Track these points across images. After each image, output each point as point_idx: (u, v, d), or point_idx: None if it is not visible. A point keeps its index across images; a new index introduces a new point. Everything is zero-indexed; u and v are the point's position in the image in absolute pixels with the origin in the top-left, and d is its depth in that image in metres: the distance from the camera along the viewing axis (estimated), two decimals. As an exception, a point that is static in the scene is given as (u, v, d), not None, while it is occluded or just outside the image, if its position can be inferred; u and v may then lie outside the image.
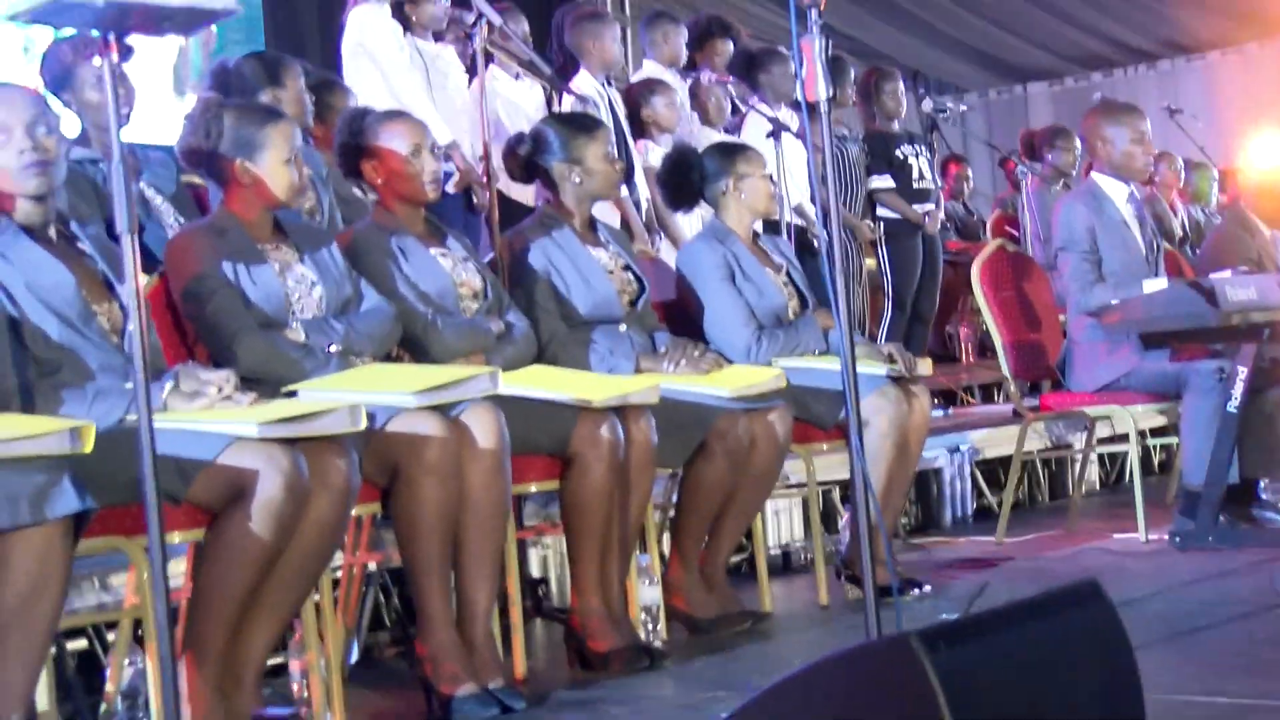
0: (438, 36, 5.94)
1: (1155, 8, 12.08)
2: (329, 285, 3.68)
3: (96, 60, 4.39)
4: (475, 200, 5.91)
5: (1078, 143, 8.04)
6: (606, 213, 6.00)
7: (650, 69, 6.86)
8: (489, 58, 6.18)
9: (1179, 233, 8.84)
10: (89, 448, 2.78)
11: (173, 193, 4.48)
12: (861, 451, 3.04)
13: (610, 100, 6.16)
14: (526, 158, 4.32)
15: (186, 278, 3.53)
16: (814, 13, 3.12)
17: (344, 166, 4.06)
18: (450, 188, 5.70)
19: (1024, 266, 5.80)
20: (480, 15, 4.29)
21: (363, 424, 3.17)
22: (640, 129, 6.34)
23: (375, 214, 4.04)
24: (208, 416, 3.05)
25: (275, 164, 3.58)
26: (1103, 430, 6.10)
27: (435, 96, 5.66)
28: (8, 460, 2.68)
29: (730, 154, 4.76)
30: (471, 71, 5.70)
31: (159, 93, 6.96)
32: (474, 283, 4.04)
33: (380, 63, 5.57)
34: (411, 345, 3.86)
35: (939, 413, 7.18)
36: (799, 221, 6.67)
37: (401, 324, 3.80)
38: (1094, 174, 5.51)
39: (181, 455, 2.97)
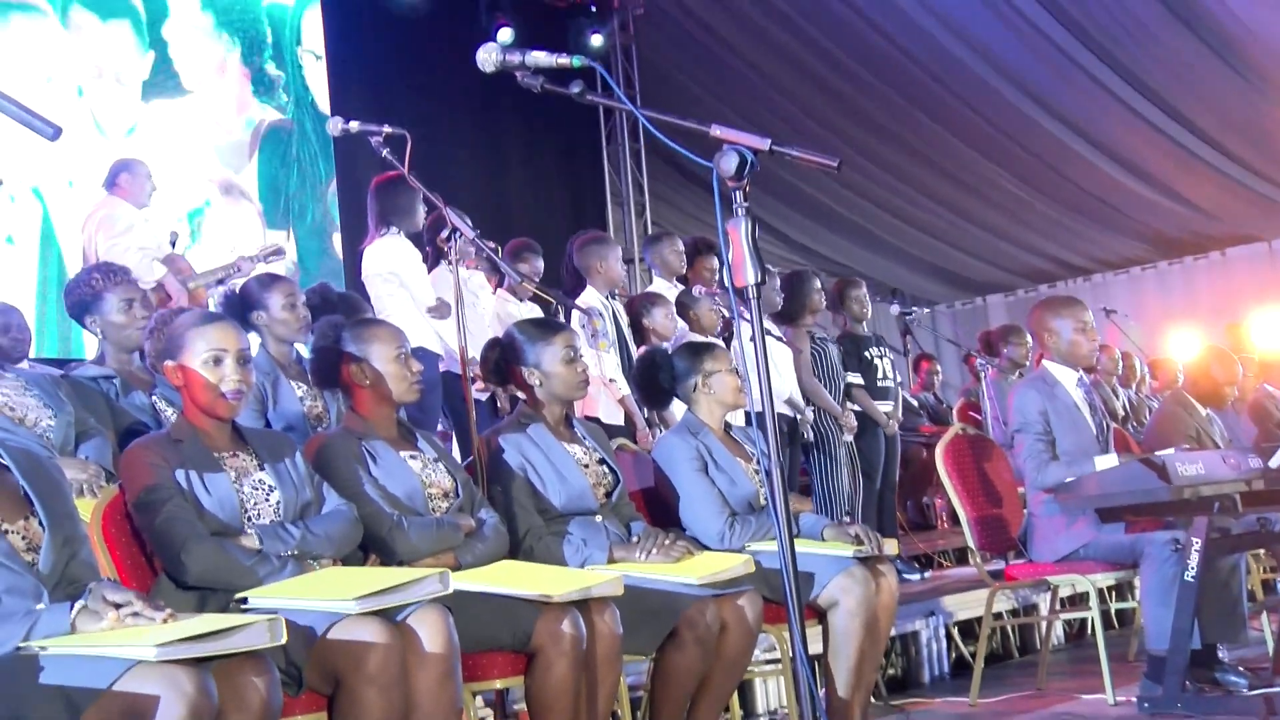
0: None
1: (1087, 233, 12.08)
2: (287, 491, 2.78)
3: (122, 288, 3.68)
4: (499, 405, 5.08)
5: (1029, 338, 7.06)
6: (612, 409, 5.11)
7: (658, 285, 5.98)
8: (499, 276, 5.42)
9: (1121, 412, 7.84)
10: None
11: (186, 405, 3.60)
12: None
13: (615, 312, 5.29)
14: (496, 362, 3.44)
15: (138, 489, 2.64)
16: (739, 196, 2.25)
17: (319, 373, 3.19)
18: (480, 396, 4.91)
19: (984, 448, 4.73)
20: (454, 229, 3.43)
21: (283, 638, 2.22)
22: (643, 337, 5.44)
23: (347, 419, 3.13)
24: (109, 639, 2.12)
25: (195, 364, 2.73)
26: (1064, 591, 5.01)
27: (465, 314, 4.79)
28: None
29: (698, 352, 3.79)
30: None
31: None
32: (444, 483, 3.10)
33: (409, 285, 4.75)
34: (378, 547, 2.91)
35: (915, 576, 6.13)
36: (789, 412, 5.74)
37: (364, 526, 2.87)
38: (1044, 362, 4.50)
39: (71, 684, 2.02)
